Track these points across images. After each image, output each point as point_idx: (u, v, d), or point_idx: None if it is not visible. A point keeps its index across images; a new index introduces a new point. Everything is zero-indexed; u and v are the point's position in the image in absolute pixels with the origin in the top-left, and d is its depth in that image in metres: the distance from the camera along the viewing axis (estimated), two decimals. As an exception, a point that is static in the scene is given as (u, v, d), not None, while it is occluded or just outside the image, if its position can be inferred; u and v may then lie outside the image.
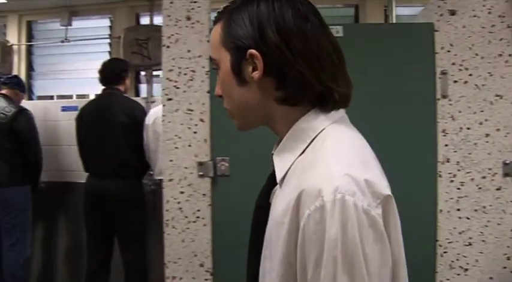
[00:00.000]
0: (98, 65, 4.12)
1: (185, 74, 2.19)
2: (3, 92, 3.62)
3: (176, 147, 2.18)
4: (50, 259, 4.10)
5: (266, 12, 0.82)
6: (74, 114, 3.98)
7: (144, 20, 4.14)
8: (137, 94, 4.01)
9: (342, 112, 0.87)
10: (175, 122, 2.18)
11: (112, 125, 3.35)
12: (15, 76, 3.74)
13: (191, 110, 2.17)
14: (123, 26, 3.97)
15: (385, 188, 0.76)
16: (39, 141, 3.65)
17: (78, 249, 4.04)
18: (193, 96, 2.17)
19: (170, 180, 2.19)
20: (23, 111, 3.58)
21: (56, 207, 4.11)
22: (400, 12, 3.60)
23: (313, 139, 0.83)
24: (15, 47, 4.30)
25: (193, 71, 2.18)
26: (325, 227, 0.71)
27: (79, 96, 4.43)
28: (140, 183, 3.50)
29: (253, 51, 0.81)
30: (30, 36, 4.39)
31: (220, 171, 2.18)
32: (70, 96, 4.44)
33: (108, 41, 4.16)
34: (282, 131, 0.87)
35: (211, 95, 2.16)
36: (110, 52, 4.14)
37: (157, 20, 4.02)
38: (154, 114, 3.36)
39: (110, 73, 3.45)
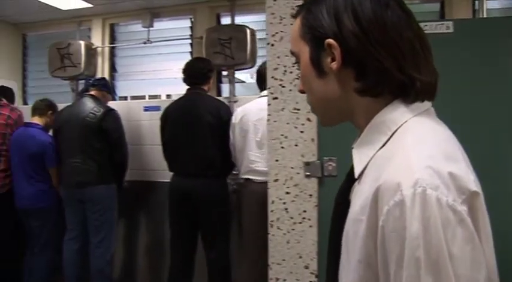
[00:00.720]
0: (179, 65, 4.18)
1: (291, 73, 2.15)
2: (92, 93, 3.72)
3: (282, 147, 2.14)
4: (130, 257, 4.18)
5: (343, 2, 0.80)
6: (157, 114, 4.05)
7: (225, 20, 4.14)
8: (219, 94, 4.02)
9: (427, 105, 0.82)
10: (281, 121, 2.15)
11: (198, 125, 3.37)
12: (103, 78, 3.85)
13: (297, 109, 2.13)
14: (204, 27, 3.99)
15: (471, 182, 0.70)
16: (126, 141, 3.72)
17: (159, 247, 4.11)
18: (300, 95, 2.10)
19: (276, 180, 2.16)
20: (111, 112, 3.66)
21: (137, 205, 4.18)
22: (490, 5, 3.44)
23: (394, 132, 0.78)
24: (99, 50, 4.40)
25: (299, 69, 2.13)
26: (405, 224, 0.66)
27: (151, 97, 4.53)
28: (225, 183, 3.51)
29: (330, 41, 0.80)
30: (113, 39, 4.48)
31: (327, 171, 2.12)
32: (154, 97, 4.53)
33: (189, 41, 4.18)
34: (362, 125, 0.84)
35: (318, 93, 2.11)
36: (191, 52, 4.16)
37: (239, 20, 4.02)
38: (241, 112, 3.35)
39: (196, 73, 3.47)
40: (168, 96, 4.59)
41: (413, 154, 0.71)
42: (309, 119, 2.13)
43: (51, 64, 4.30)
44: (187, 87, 4.07)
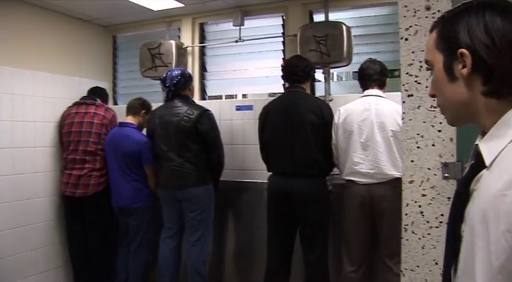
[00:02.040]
0: (271, 64, 4.15)
1: (427, 68, 2.03)
2: (181, 93, 3.69)
3: (418, 147, 2.03)
4: (219, 257, 4.16)
5: (476, 18, 0.94)
6: (249, 113, 4.03)
7: (317, 18, 4.05)
8: (313, 92, 3.93)
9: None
10: (417, 119, 2.03)
11: (301, 125, 3.30)
12: (182, 73, 3.74)
13: (435, 107, 2.00)
14: (296, 24, 3.91)
15: None
16: (222, 142, 3.70)
17: (247, 249, 4.07)
18: (437, 92, 2.00)
19: (411, 182, 2.04)
20: (205, 112, 3.64)
21: (227, 206, 4.16)
22: None
23: None
24: (189, 49, 4.41)
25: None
26: None
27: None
28: (326, 184, 3.43)
29: (463, 50, 0.94)
30: (202, 38, 4.48)
31: (468, 173, 1.99)
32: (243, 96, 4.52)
33: (281, 39, 4.12)
34: (487, 124, 0.95)
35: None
36: (283, 50, 4.10)
37: (333, 17, 3.92)
38: (344, 112, 3.26)
39: (298, 71, 3.40)
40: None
41: None
42: (447, 118, 2.00)
43: (142, 64, 4.34)
44: (277, 86, 4.06)
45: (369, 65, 3.35)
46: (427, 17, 2.04)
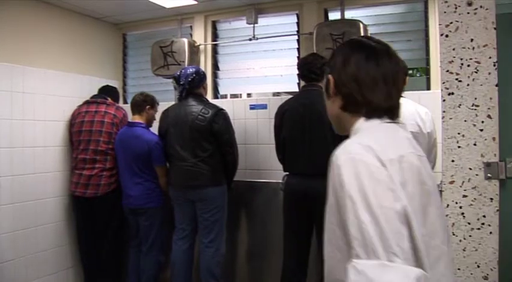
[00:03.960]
0: (285, 62, 4.09)
1: (468, 66, 1.98)
2: (194, 91, 3.63)
3: (459, 146, 1.98)
4: (232, 258, 4.10)
5: (342, 52, 1.28)
6: (263, 112, 3.97)
7: (333, 15, 3.99)
8: (328, 91, 3.87)
9: (386, 120, 1.23)
10: (458, 118, 1.98)
11: (319, 124, 3.23)
12: (197, 71, 3.68)
13: (476, 106, 1.96)
14: (311, 22, 3.85)
15: (388, 154, 1.09)
16: (236, 141, 3.64)
17: (261, 249, 4.01)
18: (479, 90, 1.96)
19: (451, 182, 1.99)
20: (220, 112, 3.58)
21: (242, 206, 4.10)
22: None
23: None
24: (201, 47, 4.34)
25: (477, 62, 1.96)
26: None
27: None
28: (343, 184, 3.35)
29: (329, 76, 1.28)
30: (215, 36, 4.42)
31: (511, 172, 1.94)
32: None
33: (296, 37, 4.06)
34: (350, 133, 1.25)
35: (500, 89, 1.93)
36: (298, 49, 4.04)
37: (348, 15, 3.87)
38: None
39: (316, 69, 3.33)
40: (277, 94, 4.50)
41: (350, 141, 1.15)
42: (489, 116, 1.95)
43: (154, 62, 4.27)
44: (291, 85, 4.00)
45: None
46: (468, 13, 1.99)
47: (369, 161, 1.06)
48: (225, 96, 4.48)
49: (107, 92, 4.22)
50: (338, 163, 1.09)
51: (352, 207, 1.02)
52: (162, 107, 3.92)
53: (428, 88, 3.63)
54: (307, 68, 3.36)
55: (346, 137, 1.23)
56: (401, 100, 3.07)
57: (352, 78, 1.22)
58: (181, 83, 3.60)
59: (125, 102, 4.75)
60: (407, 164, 1.10)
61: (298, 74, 3.48)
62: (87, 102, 4.08)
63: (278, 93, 4.64)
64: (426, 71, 3.74)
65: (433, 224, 1.12)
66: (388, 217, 1.00)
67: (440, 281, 1.11)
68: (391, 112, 1.25)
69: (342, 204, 1.06)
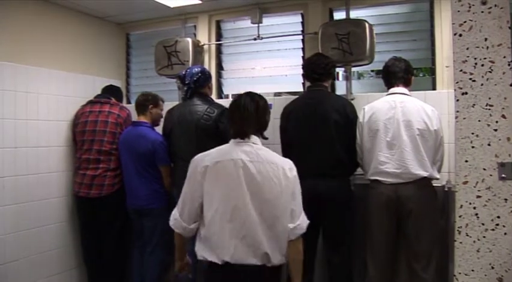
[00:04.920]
0: (289, 62, 4.07)
1: (482, 65, 1.97)
2: (199, 91, 3.61)
3: (473, 147, 1.96)
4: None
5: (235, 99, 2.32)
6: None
7: (338, 15, 3.98)
8: (333, 91, 3.86)
9: (239, 140, 2.22)
10: (472, 118, 1.97)
11: (324, 124, 3.22)
12: (202, 70, 3.67)
13: (490, 105, 1.95)
14: (316, 22, 3.84)
15: (205, 162, 2.23)
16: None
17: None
18: (493, 89, 1.94)
19: (465, 182, 1.98)
20: (226, 111, 3.54)
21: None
22: None
23: None
24: (205, 47, 4.32)
25: (492, 62, 1.95)
26: None
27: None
28: (350, 184, 3.35)
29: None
30: (219, 36, 4.40)
31: (525, 173, 1.93)
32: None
33: (301, 37, 4.04)
34: None
35: (514, 88, 1.92)
36: (303, 49, 4.02)
37: (353, 14, 3.86)
38: (369, 111, 3.19)
39: (321, 68, 3.32)
40: (278, 94, 4.48)
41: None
42: (503, 116, 1.94)
43: (158, 62, 4.25)
44: (296, 85, 3.98)
45: (393, 63, 3.28)
46: (482, 12, 1.98)
47: (197, 169, 2.26)
48: (227, 97, 4.46)
49: (110, 91, 4.20)
50: None
51: None
52: (165, 106, 3.90)
53: (434, 88, 3.62)
54: (312, 68, 3.34)
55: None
56: (407, 98, 3.12)
57: (230, 119, 2.32)
58: (186, 82, 3.58)
59: (128, 102, 4.73)
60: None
61: (302, 74, 3.45)
62: (90, 102, 4.06)
63: (279, 93, 4.61)
64: (431, 71, 3.73)
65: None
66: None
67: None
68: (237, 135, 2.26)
69: None
